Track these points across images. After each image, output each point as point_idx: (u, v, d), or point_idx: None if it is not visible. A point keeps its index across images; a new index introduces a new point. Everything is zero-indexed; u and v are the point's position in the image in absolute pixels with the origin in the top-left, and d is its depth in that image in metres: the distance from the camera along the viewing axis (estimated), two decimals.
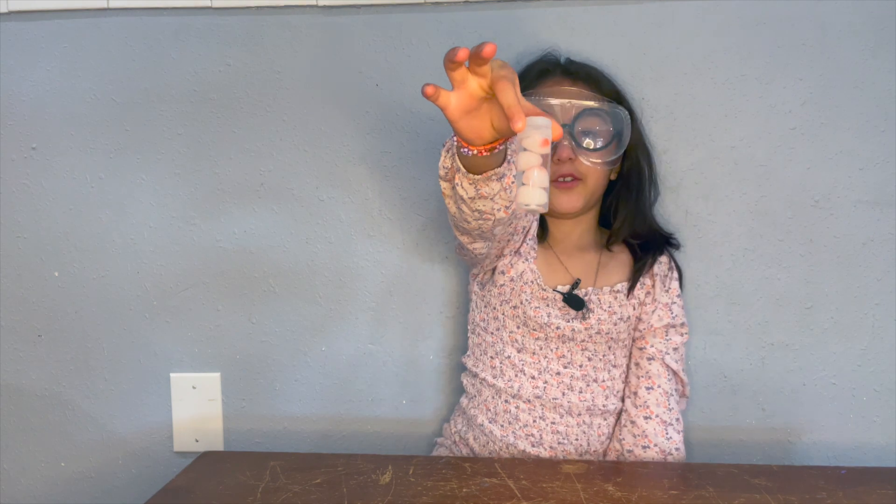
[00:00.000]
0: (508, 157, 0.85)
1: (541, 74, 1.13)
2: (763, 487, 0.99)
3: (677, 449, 1.14)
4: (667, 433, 1.13)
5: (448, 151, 0.86)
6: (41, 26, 1.27)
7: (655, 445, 1.13)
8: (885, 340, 1.24)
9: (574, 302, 1.11)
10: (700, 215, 1.25)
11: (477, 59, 0.74)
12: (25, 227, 1.32)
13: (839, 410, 1.26)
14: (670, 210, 1.25)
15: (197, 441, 1.33)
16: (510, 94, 0.72)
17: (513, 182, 0.86)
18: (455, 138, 0.83)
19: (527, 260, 1.11)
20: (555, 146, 1.07)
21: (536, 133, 0.72)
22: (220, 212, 1.30)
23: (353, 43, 1.25)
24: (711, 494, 0.96)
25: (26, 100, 1.29)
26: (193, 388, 1.33)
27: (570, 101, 1.07)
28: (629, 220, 1.16)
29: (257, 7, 1.25)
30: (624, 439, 1.14)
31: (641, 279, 1.16)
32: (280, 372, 1.32)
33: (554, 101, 1.08)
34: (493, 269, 1.14)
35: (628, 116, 1.11)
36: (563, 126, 1.07)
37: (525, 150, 0.73)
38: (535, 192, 0.73)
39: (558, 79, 1.12)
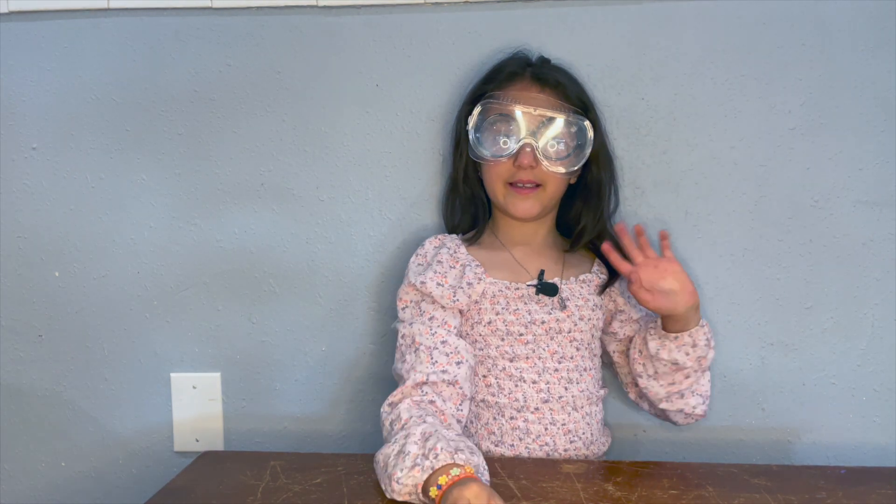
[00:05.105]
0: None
1: (510, 77, 1.15)
2: (763, 487, 0.99)
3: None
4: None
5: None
6: (41, 26, 1.27)
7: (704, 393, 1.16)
8: (885, 340, 1.24)
9: (547, 289, 1.14)
10: (700, 215, 1.25)
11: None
12: (26, 227, 1.32)
13: (839, 410, 1.26)
14: (670, 210, 1.25)
15: (197, 441, 1.33)
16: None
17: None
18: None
19: (480, 280, 1.13)
20: (517, 153, 1.11)
21: None
22: (220, 212, 1.30)
23: (353, 43, 1.25)
24: (711, 494, 0.96)
25: (26, 100, 1.29)
26: (194, 387, 1.33)
27: (535, 108, 1.10)
28: (590, 226, 1.18)
29: (258, 7, 1.25)
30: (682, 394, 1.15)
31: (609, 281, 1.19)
32: (280, 372, 1.32)
33: (519, 109, 1.10)
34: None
35: (591, 129, 1.13)
36: (528, 133, 1.10)
37: None
38: None
39: (527, 83, 1.14)
